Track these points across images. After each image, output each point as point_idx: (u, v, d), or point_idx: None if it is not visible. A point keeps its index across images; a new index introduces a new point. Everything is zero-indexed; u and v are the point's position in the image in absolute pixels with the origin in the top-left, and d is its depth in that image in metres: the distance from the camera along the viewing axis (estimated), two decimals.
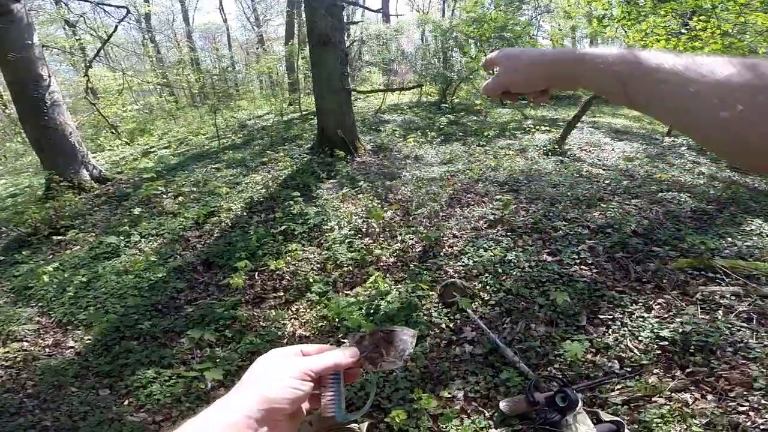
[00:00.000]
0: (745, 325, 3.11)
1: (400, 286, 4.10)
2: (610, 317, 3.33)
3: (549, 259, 4.13)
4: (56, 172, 6.78)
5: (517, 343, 3.23)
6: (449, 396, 2.86)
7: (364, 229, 5.01)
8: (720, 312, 3.25)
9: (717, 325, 3.10)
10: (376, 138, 8.04)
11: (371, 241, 4.84)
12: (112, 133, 12.48)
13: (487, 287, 3.88)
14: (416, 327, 3.51)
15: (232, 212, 5.73)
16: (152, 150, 10.32)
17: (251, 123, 11.61)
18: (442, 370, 3.08)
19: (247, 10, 25.41)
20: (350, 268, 4.44)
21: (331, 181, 6.30)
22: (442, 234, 4.73)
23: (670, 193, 5.54)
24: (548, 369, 2.96)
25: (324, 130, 7.10)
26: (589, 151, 7.65)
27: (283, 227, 5.13)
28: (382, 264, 4.48)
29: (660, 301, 3.48)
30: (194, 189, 6.67)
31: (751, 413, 2.47)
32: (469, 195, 5.75)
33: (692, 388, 2.72)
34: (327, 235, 4.96)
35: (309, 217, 5.19)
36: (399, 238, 4.84)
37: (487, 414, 2.73)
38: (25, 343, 4.01)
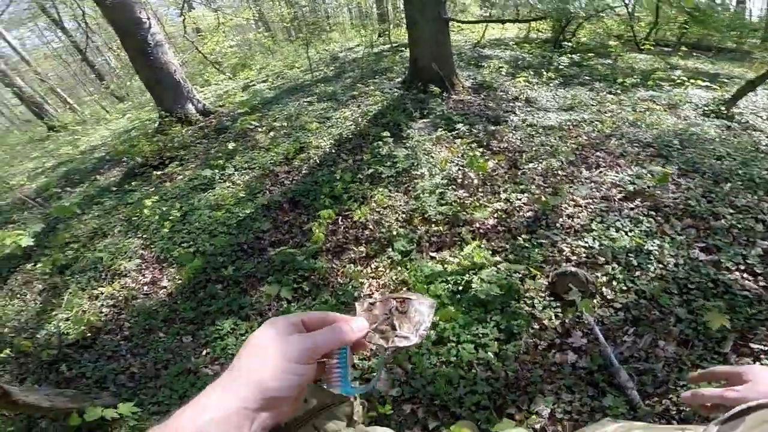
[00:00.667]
0: None
1: (498, 258, 3.17)
2: (766, 349, 2.32)
3: (703, 257, 2.96)
4: (165, 107, 6.98)
5: (635, 362, 2.42)
6: (531, 411, 2.24)
7: (459, 180, 4.04)
8: None
9: None
10: (477, 74, 6.72)
11: (467, 195, 3.89)
12: (216, 68, 12.51)
13: (614, 283, 2.90)
14: (515, 319, 2.70)
15: (321, 149, 5.10)
16: (252, 84, 10.10)
17: (342, 55, 10.76)
18: (532, 378, 2.41)
19: None
20: (439, 226, 3.58)
21: (424, 120, 5.30)
22: (561, 199, 3.60)
23: None
24: (663, 401, 2.23)
25: (417, 63, 5.99)
26: (765, 117, 5.64)
27: (370, 170, 4.38)
28: (478, 227, 3.54)
29: None
30: (286, 124, 6.18)
31: None
32: (598, 153, 4.43)
33: None
34: (416, 182, 4.10)
35: (398, 159, 4.34)
36: (503, 195, 3.82)
37: None
38: (128, 279, 3.99)
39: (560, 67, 6.93)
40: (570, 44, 8.23)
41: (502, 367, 2.46)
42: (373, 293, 3.15)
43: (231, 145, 5.79)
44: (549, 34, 10.11)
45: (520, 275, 2.97)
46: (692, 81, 6.46)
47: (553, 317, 2.72)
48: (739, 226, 3.17)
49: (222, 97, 9.12)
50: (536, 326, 2.69)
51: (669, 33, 11.24)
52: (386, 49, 9.96)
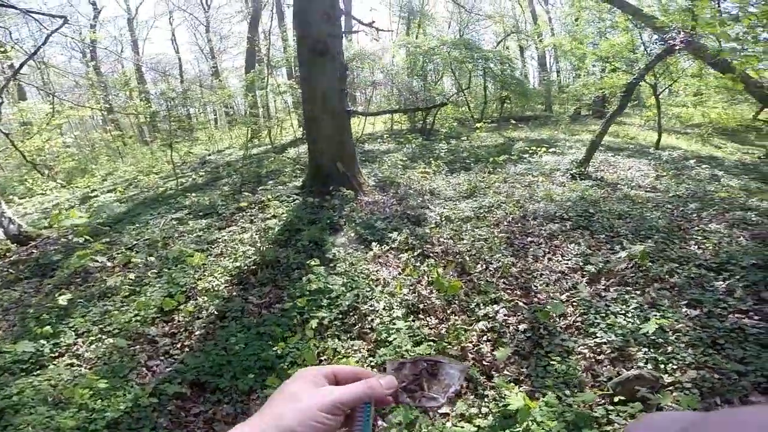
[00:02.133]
0: None
1: (524, 388, 2.25)
2: None
3: (694, 313, 2.82)
4: None
5: None
6: None
7: (419, 305, 3.06)
8: None
9: None
10: (376, 170, 6.13)
11: (437, 321, 2.92)
12: (42, 173, 9.39)
13: (664, 366, 2.41)
14: None
15: (215, 294, 3.51)
16: (94, 195, 7.72)
17: (212, 158, 9.25)
18: None
19: (201, 41, 22.62)
20: None
21: (343, 232, 4.28)
22: (563, 307, 2.93)
23: (738, 212, 4.32)
24: None
25: (318, 163, 5.10)
26: (610, 171, 6.32)
27: (302, 314, 3.04)
28: (474, 358, 2.58)
29: None
30: (152, 255, 4.34)
31: None
32: (530, 239, 4.04)
33: None
34: (371, 320, 2.96)
35: (336, 293, 3.15)
36: (479, 312, 2.97)
37: None
38: None
39: (441, 154, 6.87)
40: (439, 132, 8.48)
41: None
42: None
43: (63, 298, 3.57)
44: (407, 125, 10.53)
45: (575, 401, 2.08)
46: (541, 149, 7.07)
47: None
48: (692, 276, 3.20)
49: (49, 213, 6.62)
50: None
51: (490, 110, 12.96)
52: (264, 150, 8.87)
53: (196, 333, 3.12)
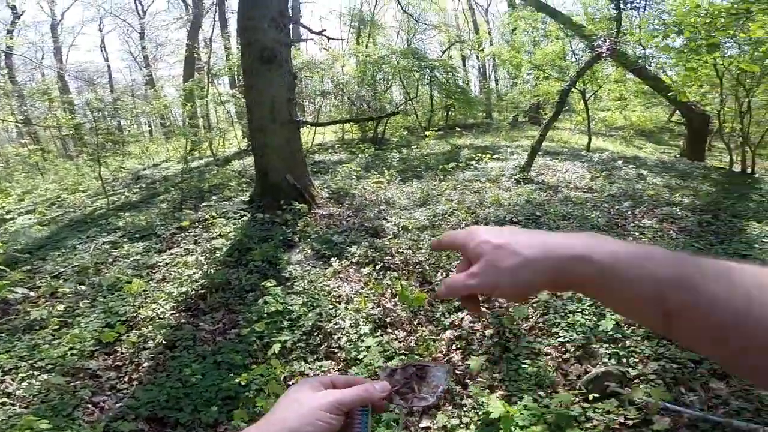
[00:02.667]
0: None
1: (499, 395, 2.27)
2: None
3: None
4: None
5: None
6: None
7: (386, 318, 2.99)
8: None
9: None
10: (329, 182, 6.00)
11: (405, 334, 2.87)
12: None
13: (627, 360, 2.52)
14: None
15: (162, 320, 3.18)
16: (9, 218, 6.82)
17: (148, 173, 8.56)
18: None
19: (134, 49, 20.98)
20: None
21: (299, 248, 4.11)
22: (524, 311, 2.99)
23: (665, 207, 4.76)
24: None
25: (267, 176, 4.87)
26: (550, 174, 6.71)
27: (261, 338, 2.83)
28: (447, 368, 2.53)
29: None
30: (82, 281, 3.87)
31: None
32: None
33: None
34: (337, 339, 2.83)
35: (296, 313, 2.99)
36: (445, 321, 2.96)
37: None
38: None
39: (393, 163, 6.89)
40: (390, 141, 8.52)
41: None
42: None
43: None
44: (358, 134, 10.50)
45: (557, 404, 2.11)
46: (486, 156, 7.36)
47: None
48: None
49: None
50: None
51: (437, 118, 13.34)
52: (205, 163, 8.35)
53: (145, 365, 2.80)
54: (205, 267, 3.72)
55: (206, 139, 8.57)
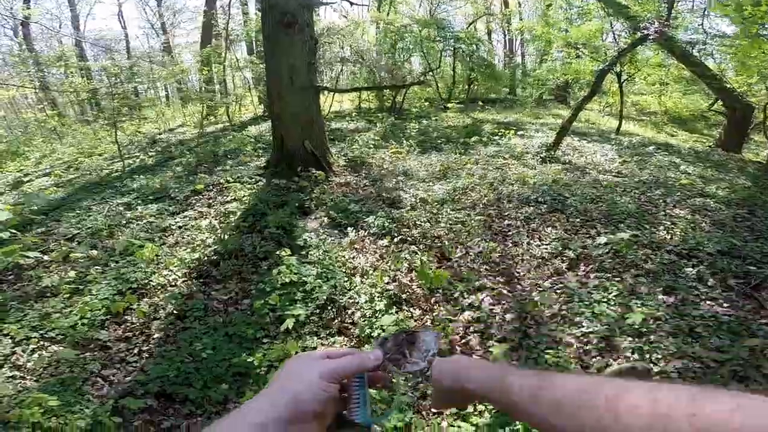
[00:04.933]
0: None
1: None
2: None
3: (670, 300, 2.81)
4: None
5: None
6: None
7: (401, 295, 2.86)
8: None
9: None
10: (346, 150, 5.80)
11: (421, 312, 2.74)
12: None
13: (650, 357, 2.35)
14: None
15: (173, 288, 3.11)
16: (26, 180, 6.88)
17: (163, 137, 8.47)
18: None
19: (152, 17, 20.66)
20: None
21: (315, 216, 3.98)
22: (550, 299, 2.82)
23: (698, 199, 4.45)
24: None
25: (284, 142, 4.70)
26: (577, 155, 6.38)
27: (273, 311, 2.73)
28: (461, 350, 2.43)
29: None
30: (95, 245, 3.82)
31: None
32: (506, 221, 3.93)
33: None
34: (351, 313, 2.72)
35: (310, 285, 2.87)
36: (464, 301, 2.82)
37: None
38: None
39: (412, 134, 6.64)
40: (409, 111, 8.21)
41: None
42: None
43: None
44: (375, 104, 10.17)
45: None
46: (509, 132, 7.04)
47: None
48: (665, 262, 3.18)
49: None
50: None
51: (458, 91, 12.87)
52: (221, 128, 8.21)
53: (155, 336, 2.74)
54: (219, 232, 3.62)
55: (223, 105, 8.39)
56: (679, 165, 6.02)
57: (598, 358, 2.35)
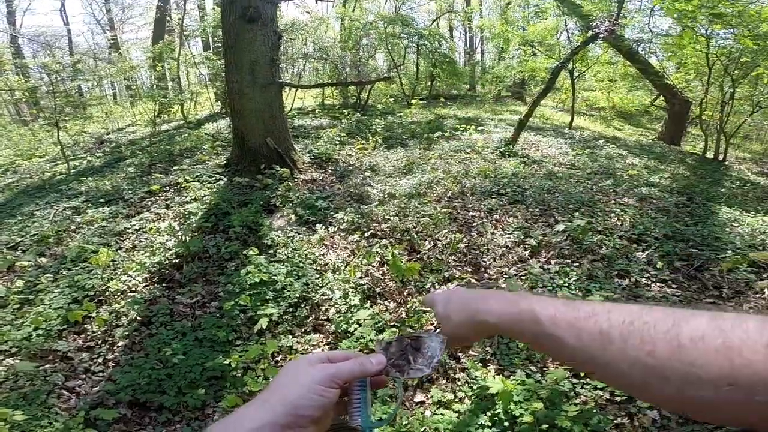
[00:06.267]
0: None
1: (490, 369, 2.22)
2: None
3: (624, 282, 3.02)
4: None
5: None
6: None
7: (375, 289, 2.90)
8: None
9: None
10: (310, 147, 5.75)
11: (396, 305, 2.79)
12: None
13: None
14: None
15: (134, 294, 2.96)
16: None
17: (112, 137, 7.99)
18: None
19: (98, 12, 19.30)
20: None
21: (281, 214, 3.92)
22: (522, 284, 2.94)
23: (644, 188, 4.83)
24: None
25: (245, 140, 4.59)
26: (534, 149, 6.68)
27: (245, 312, 2.68)
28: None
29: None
30: (42, 253, 3.56)
31: None
32: (471, 213, 4.06)
33: None
34: (324, 309, 2.72)
35: (281, 284, 2.83)
36: (435, 292, 2.87)
37: None
38: None
39: (377, 130, 6.68)
40: (374, 107, 8.23)
41: None
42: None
43: None
44: (339, 100, 10.11)
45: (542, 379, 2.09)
46: (470, 128, 7.25)
47: None
48: (617, 247, 3.41)
49: None
50: None
51: (421, 88, 13.05)
52: (176, 126, 7.85)
53: (119, 344, 2.61)
54: (180, 234, 3.48)
55: (177, 102, 8.02)
56: (626, 157, 6.46)
57: None
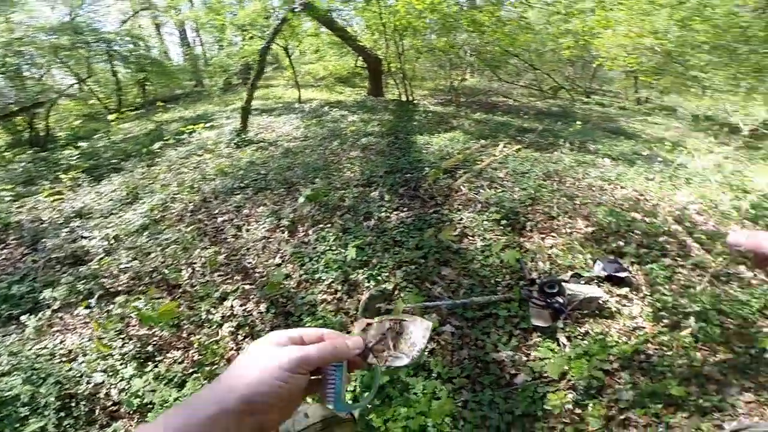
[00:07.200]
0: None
1: None
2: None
3: (371, 223, 3.51)
4: None
5: None
6: None
7: (148, 348, 2.43)
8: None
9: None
10: None
11: (182, 352, 2.46)
12: None
13: (379, 277, 2.82)
14: None
15: None
16: None
17: None
18: None
19: None
20: None
21: None
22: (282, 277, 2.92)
23: (363, 138, 5.70)
24: None
25: None
26: (269, 131, 6.83)
27: None
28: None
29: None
30: None
31: None
32: (220, 218, 3.90)
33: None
34: (102, 395, 2.10)
35: (26, 397, 2.00)
36: (214, 317, 2.69)
37: None
38: None
39: (73, 163, 5.32)
40: (59, 137, 6.48)
41: None
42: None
43: None
44: (5, 138, 7.46)
45: None
46: (199, 126, 6.70)
47: None
48: (356, 195, 3.81)
49: None
50: None
51: (131, 97, 11.17)
52: None
53: None
54: None
55: None
56: (347, 116, 7.38)
57: (349, 300, 2.64)
